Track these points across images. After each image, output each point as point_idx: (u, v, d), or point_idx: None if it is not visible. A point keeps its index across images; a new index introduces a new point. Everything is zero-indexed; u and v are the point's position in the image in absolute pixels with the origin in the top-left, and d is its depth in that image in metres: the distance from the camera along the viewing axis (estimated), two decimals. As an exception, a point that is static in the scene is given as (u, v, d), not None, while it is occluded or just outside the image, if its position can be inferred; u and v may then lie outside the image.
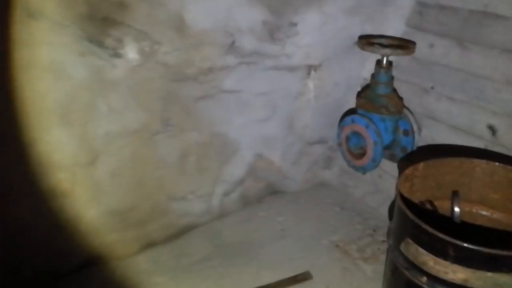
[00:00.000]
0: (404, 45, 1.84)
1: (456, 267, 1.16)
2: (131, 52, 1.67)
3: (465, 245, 1.12)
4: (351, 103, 2.22)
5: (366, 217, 2.27)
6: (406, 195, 1.42)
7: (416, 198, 1.48)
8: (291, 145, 2.26)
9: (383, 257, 2.01)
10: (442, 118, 1.91)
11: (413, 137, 1.89)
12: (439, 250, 1.17)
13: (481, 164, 1.48)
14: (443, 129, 1.91)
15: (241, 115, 2.06)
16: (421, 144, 1.96)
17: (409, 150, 1.92)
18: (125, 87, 1.74)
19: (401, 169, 1.51)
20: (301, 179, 2.40)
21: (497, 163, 1.45)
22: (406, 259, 1.28)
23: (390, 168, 2.14)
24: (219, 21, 1.76)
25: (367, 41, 1.85)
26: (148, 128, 1.85)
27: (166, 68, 1.77)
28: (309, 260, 1.97)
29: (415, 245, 1.23)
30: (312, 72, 2.09)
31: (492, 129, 1.74)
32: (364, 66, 2.15)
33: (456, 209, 1.40)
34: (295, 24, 1.90)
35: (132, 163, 1.87)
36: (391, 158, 1.99)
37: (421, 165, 1.44)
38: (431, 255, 1.19)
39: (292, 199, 2.41)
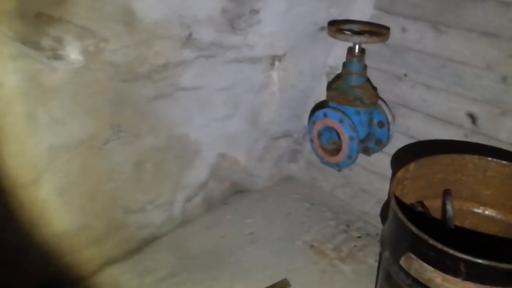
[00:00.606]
0: (377, 31, 1.70)
1: (468, 284, 1.04)
2: (73, 53, 1.43)
3: (480, 261, 1.00)
4: (317, 93, 2.08)
5: (337, 211, 2.16)
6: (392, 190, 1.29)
7: (406, 200, 1.36)
8: (256, 141, 2.09)
9: (360, 255, 1.92)
10: (417, 107, 1.80)
11: (388, 129, 1.78)
12: (448, 266, 1.05)
13: (473, 160, 1.37)
14: (419, 118, 1.81)
15: (201, 113, 1.86)
16: (396, 134, 1.85)
17: (384, 142, 1.81)
18: (68, 93, 1.50)
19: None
20: (267, 175, 2.25)
21: (489, 158, 1.35)
22: (408, 275, 1.15)
23: (360, 159, 2.02)
24: (173, 12, 1.54)
25: (337, 28, 1.69)
26: (97, 136, 1.61)
27: (114, 67, 1.54)
28: (285, 266, 1.84)
29: (419, 261, 1.10)
30: (276, 62, 1.91)
31: (472, 117, 1.65)
32: (330, 53, 2.00)
33: (450, 212, 1.29)
34: (257, 11, 1.71)
35: (81, 177, 1.64)
36: (365, 151, 1.87)
37: (411, 166, 1.32)
38: (439, 272, 1.07)
39: (259, 197, 2.25)
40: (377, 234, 2.00)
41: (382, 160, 1.96)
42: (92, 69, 1.50)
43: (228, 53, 1.76)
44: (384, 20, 1.81)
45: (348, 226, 2.07)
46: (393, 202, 1.15)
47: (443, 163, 1.37)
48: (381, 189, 2.03)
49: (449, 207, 1.34)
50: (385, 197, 2.03)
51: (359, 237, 2.00)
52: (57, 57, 1.41)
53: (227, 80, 1.84)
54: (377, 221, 2.04)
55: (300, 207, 2.19)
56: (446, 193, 1.36)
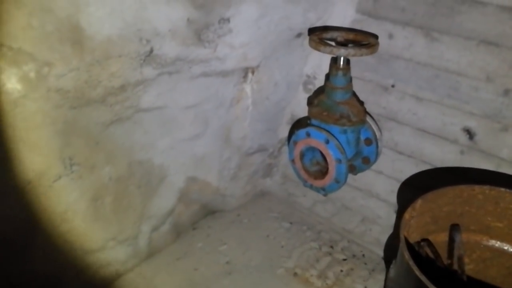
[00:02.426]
0: (365, 40, 1.51)
1: None
2: (9, 82, 1.17)
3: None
4: (293, 104, 1.88)
5: (319, 230, 1.99)
6: (403, 236, 1.12)
7: (412, 238, 1.19)
8: (228, 160, 1.88)
9: (348, 281, 1.77)
10: (405, 120, 1.64)
11: (376, 146, 1.60)
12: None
13: (483, 191, 1.22)
14: (408, 132, 1.65)
15: (166, 135, 1.64)
16: (383, 149, 1.68)
17: (372, 160, 1.64)
18: (6, 128, 1.23)
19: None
20: (241, 193, 2.05)
21: (502, 189, 1.20)
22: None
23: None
24: (130, 26, 1.30)
25: (319, 38, 1.49)
26: (45, 174, 1.37)
27: (62, 94, 1.29)
28: (267, 302, 1.66)
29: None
30: (249, 75, 1.70)
31: (469, 132, 1.50)
32: (307, 61, 1.80)
33: (459, 252, 1.14)
34: (227, 20, 1.48)
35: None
36: (351, 170, 1.69)
37: (418, 203, 1.15)
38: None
39: (233, 218, 2.06)
40: (363, 255, 1.85)
41: (366, 176, 1.80)
42: (34, 98, 1.24)
43: (195, 68, 1.53)
44: (368, 26, 1.63)
45: (331, 247, 1.90)
46: (407, 257, 0.97)
47: (451, 195, 1.21)
48: (365, 206, 1.88)
49: (457, 250, 1.18)
50: (370, 215, 1.88)
51: (344, 259, 1.85)
52: (-12, 88, 1.14)
53: (194, 97, 1.62)
54: (363, 241, 1.89)
55: (279, 227, 2.01)
56: (454, 229, 1.20)
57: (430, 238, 1.26)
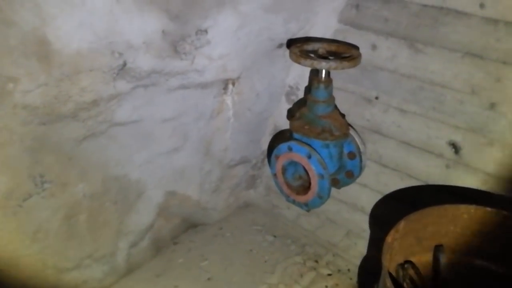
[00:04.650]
0: (347, 52, 1.46)
1: None
2: (-30, 99, 1.10)
3: None
4: (276, 114, 1.84)
5: (303, 243, 1.94)
6: (386, 264, 1.07)
7: (395, 261, 1.14)
8: (209, 173, 1.82)
9: (334, 298, 1.72)
10: (390, 133, 1.59)
11: (360, 160, 1.56)
12: None
13: (469, 210, 1.17)
14: (392, 145, 1.60)
15: (143, 149, 1.58)
16: (367, 162, 1.63)
17: (355, 174, 1.59)
18: (-31, 146, 1.17)
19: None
20: (223, 205, 2.00)
21: (488, 208, 1.15)
22: None
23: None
24: (101, 39, 1.24)
25: (300, 50, 1.44)
26: (14, 193, 1.31)
27: (29, 110, 1.23)
28: (251, 321, 1.61)
29: None
30: (230, 86, 1.64)
31: (454, 146, 1.46)
32: (289, 71, 1.75)
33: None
34: (205, 31, 1.42)
35: (-3, 242, 1.32)
36: (334, 183, 1.64)
37: (401, 224, 1.11)
38: None
39: (215, 232, 2.00)
40: (348, 270, 1.80)
41: (351, 189, 1.76)
42: (1, 116, 1.18)
43: (172, 80, 1.48)
44: (350, 36, 1.58)
45: (316, 261, 1.85)
46: (389, 285, 0.92)
47: (435, 215, 1.17)
48: (350, 219, 1.84)
49: (442, 271, 1.13)
50: (355, 229, 1.84)
51: (329, 274, 1.80)
52: None
53: (172, 110, 1.56)
54: (348, 255, 1.85)
55: (262, 241, 1.96)
56: (438, 250, 1.15)
57: (414, 259, 1.21)
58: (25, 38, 1.13)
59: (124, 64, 1.32)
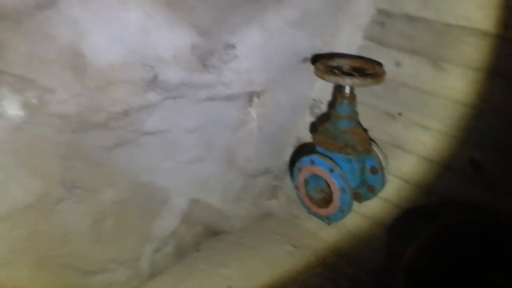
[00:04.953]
0: (371, 69, 1.49)
1: None
2: (11, 108, 1.18)
3: None
4: (299, 127, 1.87)
5: (323, 255, 1.95)
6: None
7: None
8: (232, 182, 1.87)
9: (354, 313, 1.73)
10: (411, 149, 1.61)
11: (382, 175, 1.58)
12: None
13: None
14: (413, 161, 1.62)
15: (169, 158, 1.63)
16: (388, 177, 1.65)
17: (377, 189, 1.61)
18: (7, 153, 1.25)
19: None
20: (244, 214, 2.03)
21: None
22: None
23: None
24: (133, 52, 1.30)
25: (324, 66, 1.47)
26: (46, 198, 1.37)
27: (64, 119, 1.29)
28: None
29: None
30: (255, 99, 1.68)
31: (475, 163, 1.46)
32: (313, 86, 1.78)
33: None
34: (232, 46, 1.47)
35: (29, 244, 1.40)
36: (356, 198, 1.67)
37: (421, 239, 1.12)
38: None
39: (236, 240, 2.03)
40: (367, 283, 1.81)
41: (372, 203, 1.77)
42: (36, 124, 1.25)
43: (200, 93, 1.53)
44: (375, 52, 1.61)
45: (336, 273, 1.87)
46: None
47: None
48: (371, 233, 1.85)
49: None
50: (375, 243, 1.85)
51: (348, 287, 1.81)
52: (-9, 114, 1.15)
53: (198, 121, 1.61)
54: (367, 267, 1.85)
55: (282, 250, 1.98)
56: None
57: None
58: (63, 51, 1.20)
59: (155, 77, 1.38)
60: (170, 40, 1.35)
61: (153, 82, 1.39)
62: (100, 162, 1.46)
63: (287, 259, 1.94)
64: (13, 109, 1.18)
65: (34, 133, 1.26)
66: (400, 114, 1.59)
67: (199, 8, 1.34)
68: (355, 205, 1.78)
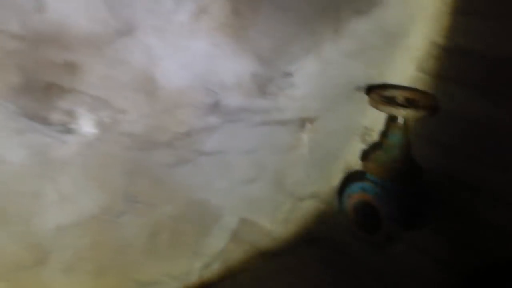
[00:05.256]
0: (425, 100, 1.52)
1: None
2: (86, 126, 1.28)
3: None
4: (348, 154, 1.91)
5: (369, 281, 1.96)
6: None
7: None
8: (281, 204, 1.92)
9: None
10: (465, 181, 1.61)
11: (433, 204, 1.59)
12: None
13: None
14: (466, 194, 1.62)
15: (223, 178, 1.70)
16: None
17: (428, 218, 1.62)
18: (79, 167, 1.35)
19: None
20: (292, 237, 2.07)
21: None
22: None
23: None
24: (199, 78, 1.39)
25: (379, 96, 1.52)
26: (110, 210, 1.46)
27: (132, 138, 1.39)
28: None
29: None
30: (307, 124, 1.74)
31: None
32: (365, 114, 1.82)
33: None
34: (290, 75, 1.54)
35: (91, 253, 1.49)
36: (406, 227, 1.68)
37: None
38: None
39: (282, 262, 2.07)
40: (412, 311, 1.80)
41: (421, 233, 1.78)
42: (106, 141, 1.35)
43: (256, 117, 1.60)
44: (428, 84, 1.64)
45: (381, 300, 1.87)
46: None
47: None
48: (418, 263, 1.85)
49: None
50: (423, 272, 1.85)
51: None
52: (68, 131, 1.26)
53: (252, 143, 1.68)
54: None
55: (328, 275, 2.00)
56: None
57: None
58: (136, 75, 1.30)
59: (217, 102, 1.46)
60: (233, 68, 1.43)
61: (215, 106, 1.47)
62: (161, 179, 1.55)
63: (333, 283, 1.96)
64: (88, 127, 1.28)
65: (104, 149, 1.36)
66: (452, 145, 1.61)
67: (262, 39, 1.42)
68: (405, 234, 1.79)
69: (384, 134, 1.60)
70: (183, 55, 1.33)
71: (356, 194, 1.59)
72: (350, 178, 1.89)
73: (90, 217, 1.42)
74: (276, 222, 1.97)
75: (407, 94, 1.58)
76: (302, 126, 1.76)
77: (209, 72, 1.40)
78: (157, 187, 1.56)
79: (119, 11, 1.19)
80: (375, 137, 1.88)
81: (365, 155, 1.71)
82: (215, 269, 1.91)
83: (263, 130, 1.68)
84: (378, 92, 1.57)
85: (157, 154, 1.48)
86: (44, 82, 1.17)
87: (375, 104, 1.50)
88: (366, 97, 1.57)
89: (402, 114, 1.44)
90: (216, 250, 1.84)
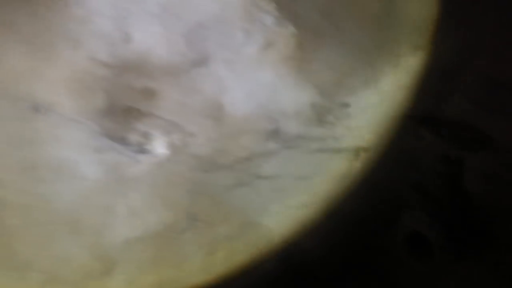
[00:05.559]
0: (479, 135, 1.56)
1: None
2: (159, 147, 1.38)
3: None
4: (400, 183, 1.94)
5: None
6: None
7: None
8: (332, 231, 1.96)
9: None
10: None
11: (485, 236, 1.60)
12: None
13: None
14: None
15: (277, 201, 1.77)
16: None
17: (479, 248, 1.63)
18: (148, 184, 1.45)
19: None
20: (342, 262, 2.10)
21: None
22: None
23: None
24: (262, 106, 1.48)
25: (435, 128, 1.56)
26: (172, 228, 1.55)
27: (197, 160, 1.48)
28: None
29: None
30: (361, 153, 1.79)
31: None
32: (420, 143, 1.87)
33: None
34: (347, 105, 1.61)
35: (152, 267, 1.57)
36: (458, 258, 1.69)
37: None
38: None
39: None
40: None
41: (471, 265, 1.78)
42: (175, 161, 1.45)
43: (312, 144, 1.67)
44: (481, 119, 1.67)
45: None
46: None
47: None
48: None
49: None
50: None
51: None
52: (142, 151, 1.37)
53: (307, 169, 1.75)
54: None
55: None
56: None
57: None
58: (207, 102, 1.40)
59: (277, 129, 1.54)
60: (294, 97, 1.52)
61: (275, 133, 1.55)
62: (220, 200, 1.63)
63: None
64: (160, 148, 1.39)
65: (172, 169, 1.46)
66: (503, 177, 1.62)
67: (323, 71, 1.51)
68: (455, 264, 1.79)
69: (438, 166, 1.63)
70: (250, 84, 1.43)
71: (407, 223, 1.62)
72: (402, 207, 1.92)
73: (154, 233, 1.51)
74: (327, 249, 2.01)
75: (464, 128, 1.62)
76: (356, 155, 1.81)
77: (272, 101, 1.49)
78: (215, 207, 1.64)
79: (196, 45, 1.30)
80: (425, 167, 1.91)
81: (418, 185, 1.74)
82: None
83: (318, 157, 1.75)
84: (433, 123, 1.62)
85: (218, 176, 1.57)
86: (125, 106, 1.29)
87: (429, 135, 1.54)
88: (423, 131, 1.61)
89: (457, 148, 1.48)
90: (267, 272, 1.89)
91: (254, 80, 1.42)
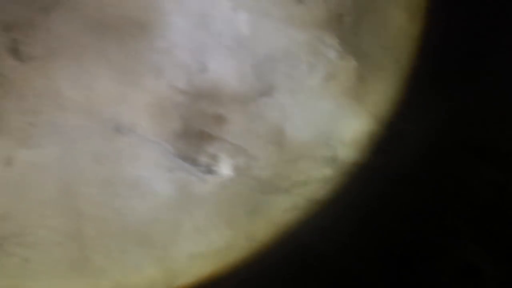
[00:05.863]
0: None
1: None
2: (225, 168, 1.48)
3: None
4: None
5: None
6: None
7: None
8: (384, 257, 2.00)
9: None
10: None
11: None
12: None
13: None
14: None
15: (330, 227, 1.82)
16: None
17: None
18: (213, 204, 1.55)
19: None
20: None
21: None
22: None
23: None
24: (322, 134, 1.56)
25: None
26: (231, 246, 1.63)
27: (257, 182, 1.57)
28: None
29: None
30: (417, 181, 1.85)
31: None
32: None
33: None
34: (403, 134, 1.67)
35: (209, 283, 1.65)
36: None
37: None
38: None
39: None
40: None
41: None
42: (238, 183, 1.54)
43: (368, 172, 1.73)
44: None
45: None
46: None
47: None
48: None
49: None
50: None
51: None
52: (210, 171, 1.47)
53: (362, 197, 1.80)
54: None
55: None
56: None
57: None
58: (270, 128, 1.50)
59: (334, 155, 1.62)
60: (351, 125, 1.60)
61: (332, 160, 1.63)
62: (276, 222, 1.71)
63: None
64: (226, 170, 1.49)
65: (235, 190, 1.55)
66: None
67: (380, 100, 1.58)
68: None
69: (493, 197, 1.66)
70: (311, 113, 1.52)
71: (460, 254, 1.65)
72: (456, 238, 1.94)
73: (215, 250, 1.59)
74: (375, 272, 2.05)
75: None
76: (411, 183, 1.86)
77: (331, 129, 1.57)
78: (271, 229, 1.71)
79: (263, 76, 1.41)
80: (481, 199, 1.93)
81: (473, 216, 1.77)
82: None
83: (370, 183, 1.81)
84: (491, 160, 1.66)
85: (276, 198, 1.65)
86: (198, 130, 1.40)
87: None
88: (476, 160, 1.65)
89: None
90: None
91: (315, 109, 1.51)
